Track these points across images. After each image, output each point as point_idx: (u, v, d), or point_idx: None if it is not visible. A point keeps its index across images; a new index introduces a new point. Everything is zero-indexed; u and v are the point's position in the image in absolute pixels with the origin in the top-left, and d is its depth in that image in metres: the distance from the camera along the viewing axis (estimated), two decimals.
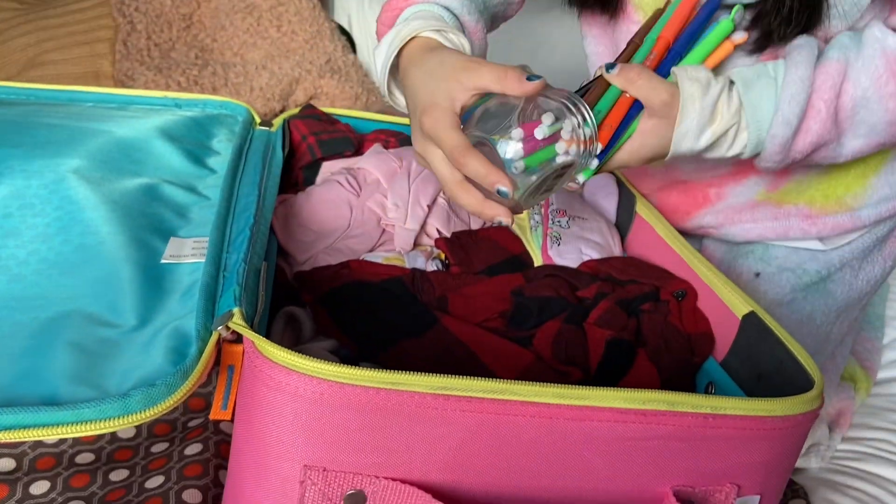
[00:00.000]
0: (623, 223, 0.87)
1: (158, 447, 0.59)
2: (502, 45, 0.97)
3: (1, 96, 0.83)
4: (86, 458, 0.57)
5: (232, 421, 0.54)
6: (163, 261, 0.63)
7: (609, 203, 0.88)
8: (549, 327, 0.70)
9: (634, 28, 0.76)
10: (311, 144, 0.90)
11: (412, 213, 0.83)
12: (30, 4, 1.43)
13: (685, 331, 0.71)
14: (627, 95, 0.67)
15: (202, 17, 1.51)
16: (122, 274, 0.59)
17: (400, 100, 0.68)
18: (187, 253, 0.64)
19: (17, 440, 0.50)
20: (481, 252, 0.80)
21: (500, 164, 0.59)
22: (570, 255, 0.80)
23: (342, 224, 0.81)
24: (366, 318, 0.69)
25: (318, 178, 0.91)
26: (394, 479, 0.50)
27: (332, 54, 1.51)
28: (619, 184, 0.89)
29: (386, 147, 0.92)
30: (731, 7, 0.71)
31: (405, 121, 0.98)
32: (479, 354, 0.67)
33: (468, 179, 0.60)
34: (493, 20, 0.83)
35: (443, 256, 0.80)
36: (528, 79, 0.56)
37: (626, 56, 0.72)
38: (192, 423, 0.61)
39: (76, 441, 0.56)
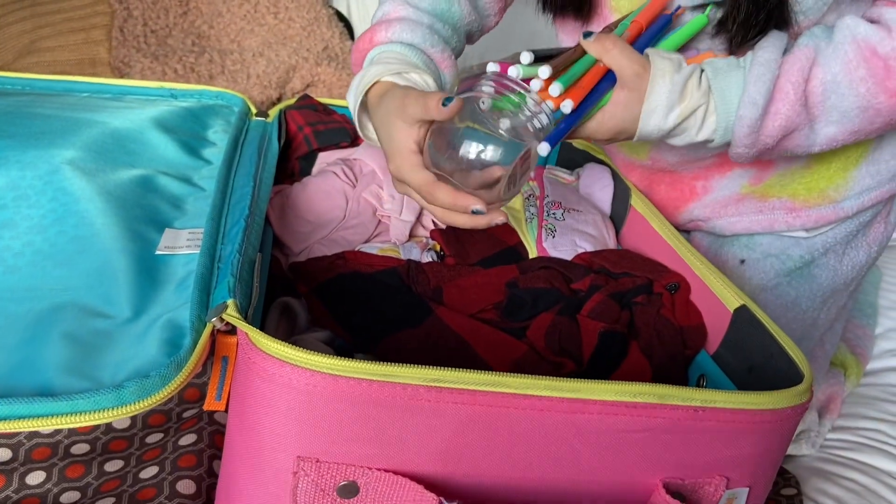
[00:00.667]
0: (618, 216, 0.87)
1: (153, 438, 0.60)
2: (503, 33, 0.96)
3: None
4: (81, 448, 0.57)
5: (226, 411, 0.54)
6: (157, 252, 0.63)
7: (604, 195, 0.89)
8: (542, 319, 0.70)
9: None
10: (307, 135, 0.90)
11: (408, 204, 0.83)
12: None
13: (678, 323, 0.71)
14: (601, 65, 0.68)
15: (199, 4, 1.51)
16: (117, 265, 0.60)
17: (373, 134, 0.70)
18: (182, 244, 0.64)
19: (12, 431, 0.51)
20: (476, 243, 0.80)
21: (480, 120, 0.61)
22: (564, 247, 0.80)
23: (338, 215, 0.81)
24: (361, 308, 0.70)
25: (314, 169, 0.91)
26: (386, 471, 0.50)
27: (330, 41, 1.50)
28: (615, 176, 0.89)
29: None
30: (705, 6, 0.72)
31: None
32: (474, 345, 0.67)
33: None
34: (470, 36, 0.83)
35: (438, 248, 0.80)
36: (444, 103, 0.59)
37: None
38: (186, 414, 0.62)
39: (71, 431, 0.57)
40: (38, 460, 0.56)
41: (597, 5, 0.79)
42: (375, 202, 0.83)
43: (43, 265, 0.59)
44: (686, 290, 0.73)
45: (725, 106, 0.68)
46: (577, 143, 0.97)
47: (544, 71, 0.63)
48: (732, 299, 0.67)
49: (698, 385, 0.70)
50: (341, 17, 1.60)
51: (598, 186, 0.90)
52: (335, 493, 0.50)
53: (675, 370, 0.70)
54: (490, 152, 0.60)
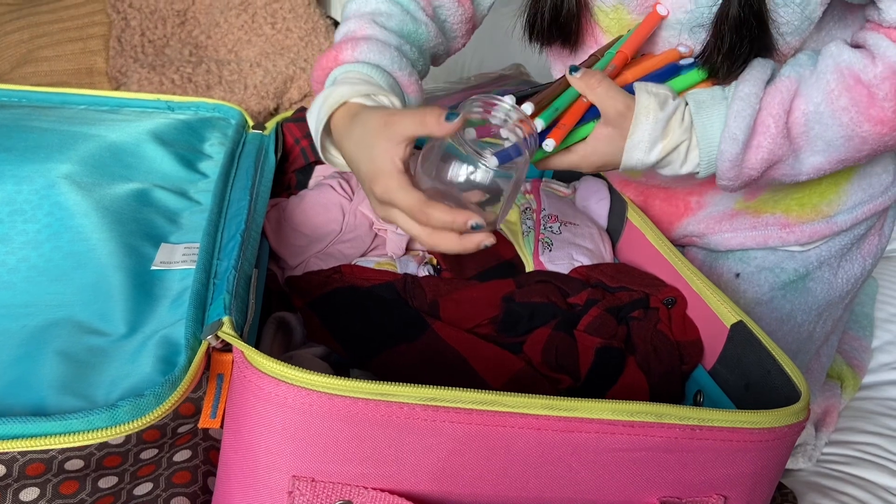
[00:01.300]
0: (614, 229, 0.87)
1: (147, 453, 0.59)
2: (500, 44, 0.96)
3: None
4: (75, 464, 0.57)
5: (221, 428, 0.54)
6: (153, 267, 0.63)
7: (601, 209, 0.89)
8: (539, 334, 0.70)
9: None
10: (304, 148, 0.90)
11: None
12: (22, 0, 1.42)
13: (674, 338, 0.71)
14: (585, 100, 0.68)
15: (196, 14, 1.51)
16: (113, 281, 0.59)
17: (336, 159, 0.67)
18: (178, 259, 0.64)
19: (4, 450, 0.50)
20: (473, 257, 0.80)
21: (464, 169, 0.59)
22: (561, 261, 0.80)
23: (334, 228, 0.81)
24: (357, 323, 0.69)
25: (311, 182, 0.91)
26: (382, 490, 0.50)
27: None
28: (611, 190, 0.89)
29: None
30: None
31: None
32: (470, 360, 0.67)
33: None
34: (435, 59, 0.82)
35: (434, 261, 0.80)
36: (448, 118, 0.56)
37: (586, 66, 0.73)
38: (181, 429, 0.61)
39: (66, 447, 0.56)
40: (31, 476, 0.56)
41: (583, 35, 0.79)
42: (372, 216, 0.83)
43: (38, 281, 0.59)
44: (683, 305, 0.73)
45: (707, 141, 0.69)
46: None
47: (527, 108, 0.65)
48: (729, 315, 0.67)
49: (695, 401, 0.70)
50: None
51: (594, 199, 0.90)
52: None
53: (671, 386, 0.69)
54: (490, 173, 0.59)
